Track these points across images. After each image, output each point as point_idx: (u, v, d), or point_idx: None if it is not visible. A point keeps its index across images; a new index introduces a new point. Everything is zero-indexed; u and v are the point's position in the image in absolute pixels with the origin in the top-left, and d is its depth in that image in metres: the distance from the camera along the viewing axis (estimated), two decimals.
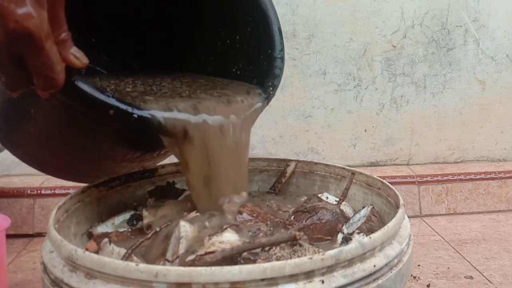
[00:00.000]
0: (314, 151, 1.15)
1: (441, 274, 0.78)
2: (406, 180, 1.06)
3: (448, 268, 0.80)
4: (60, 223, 0.49)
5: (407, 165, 1.17)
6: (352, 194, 0.61)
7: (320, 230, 0.50)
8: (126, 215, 0.57)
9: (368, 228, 0.50)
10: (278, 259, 0.40)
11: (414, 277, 0.76)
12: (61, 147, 0.54)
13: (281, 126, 1.12)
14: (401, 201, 0.50)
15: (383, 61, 1.12)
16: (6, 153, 0.64)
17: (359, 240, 0.40)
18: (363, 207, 0.55)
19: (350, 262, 0.39)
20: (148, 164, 0.63)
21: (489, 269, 0.79)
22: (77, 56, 0.39)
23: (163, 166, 0.65)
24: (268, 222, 0.50)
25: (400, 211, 0.47)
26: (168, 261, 0.44)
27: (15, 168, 1.03)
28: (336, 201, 0.59)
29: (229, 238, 0.44)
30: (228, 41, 0.61)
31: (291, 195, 0.64)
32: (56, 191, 0.96)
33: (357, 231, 0.50)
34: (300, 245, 0.41)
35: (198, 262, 0.40)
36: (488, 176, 1.08)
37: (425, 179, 1.07)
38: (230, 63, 0.61)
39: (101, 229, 0.55)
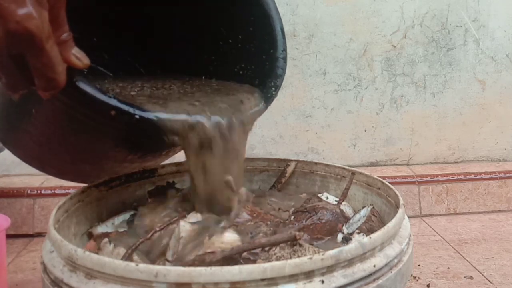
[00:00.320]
0: (314, 151, 1.15)
1: (441, 274, 0.78)
2: (406, 180, 1.06)
3: (448, 268, 0.80)
4: (60, 223, 0.50)
5: (407, 165, 1.17)
6: (352, 194, 0.61)
7: (320, 230, 0.50)
8: (126, 215, 0.57)
9: (368, 228, 0.50)
10: (278, 259, 0.40)
11: (414, 277, 0.76)
12: (62, 148, 0.54)
13: (281, 126, 1.12)
14: (401, 201, 0.50)
15: (383, 61, 1.12)
16: (6, 153, 0.64)
17: (359, 240, 0.40)
18: (363, 207, 0.55)
19: (350, 262, 0.39)
20: (150, 165, 0.63)
21: (489, 269, 0.79)
22: (79, 57, 0.39)
23: (163, 166, 0.65)
24: (268, 222, 0.50)
25: (400, 211, 0.47)
26: (168, 261, 0.44)
27: (15, 168, 1.03)
28: (336, 201, 0.59)
29: (229, 238, 0.44)
30: (230, 40, 0.61)
31: (291, 195, 0.64)
32: (56, 191, 0.96)
33: (357, 231, 0.50)
34: (300, 245, 0.41)
35: (198, 262, 0.40)
36: (488, 176, 1.08)
37: (425, 179, 1.07)
38: (232, 63, 0.61)
39: (101, 229, 0.55)
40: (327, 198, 0.60)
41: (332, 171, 0.64)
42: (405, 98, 1.14)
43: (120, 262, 0.37)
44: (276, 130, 1.12)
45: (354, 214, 0.55)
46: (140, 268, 0.36)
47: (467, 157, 1.19)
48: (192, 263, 0.41)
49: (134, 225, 0.55)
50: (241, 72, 0.60)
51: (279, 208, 0.56)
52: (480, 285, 0.74)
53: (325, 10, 1.09)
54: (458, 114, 1.17)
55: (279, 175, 0.66)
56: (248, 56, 0.60)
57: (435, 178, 1.07)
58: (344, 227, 0.51)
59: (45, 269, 0.43)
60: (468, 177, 1.08)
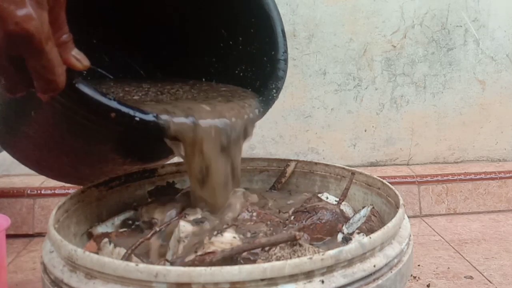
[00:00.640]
0: (314, 151, 1.15)
1: (441, 274, 0.78)
2: (406, 180, 1.06)
3: (448, 268, 0.80)
4: (60, 223, 0.50)
5: (407, 165, 1.17)
6: (352, 194, 0.61)
7: (320, 230, 0.50)
8: (126, 215, 0.57)
9: (368, 228, 0.50)
10: (278, 259, 0.40)
11: (414, 277, 0.76)
12: (62, 150, 0.54)
13: (281, 126, 1.12)
14: (401, 201, 0.50)
15: (383, 61, 1.12)
16: (6, 153, 0.63)
17: (359, 240, 0.40)
18: (363, 207, 0.55)
19: (350, 262, 0.39)
20: (150, 166, 0.63)
21: (489, 269, 0.79)
22: (78, 58, 0.38)
23: (163, 166, 0.65)
24: (268, 222, 0.50)
25: (400, 211, 0.47)
26: (168, 261, 0.44)
27: (15, 168, 1.03)
28: (336, 201, 0.59)
29: (229, 238, 0.44)
30: (231, 42, 0.61)
31: (291, 195, 0.64)
32: (56, 191, 0.96)
33: (357, 231, 0.50)
34: (300, 245, 0.41)
35: (198, 262, 0.40)
36: (488, 176, 1.08)
37: (425, 179, 1.07)
38: (233, 65, 0.61)
39: (101, 229, 0.55)
40: (327, 198, 0.60)
41: (332, 171, 0.64)
42: (405, 98, 1.14)
43: (120, 262, 0.37)
44: (276, 130, 1.12)
45: (354, 214, 0.55)
46: (140, 268, 0.36)
47: (467, 157, 1.19)
48: (192, 263, 0.41)
49: (134, 225, 0.55)
50: (242, 74, 0.60)
51: (279, 209, 0.56)
52: (480, 285, 0.74)
53: (325, 10, 1.09)
54: (458, 114, 1.17)
55: (279, 175, 0.66)
56: (249, 58, 0.59)
57: (435, 178, 1.07)
58: (344, 227, 0.51)
59: (45, 269, 0.43)
60: (468, 177, 1.08)
